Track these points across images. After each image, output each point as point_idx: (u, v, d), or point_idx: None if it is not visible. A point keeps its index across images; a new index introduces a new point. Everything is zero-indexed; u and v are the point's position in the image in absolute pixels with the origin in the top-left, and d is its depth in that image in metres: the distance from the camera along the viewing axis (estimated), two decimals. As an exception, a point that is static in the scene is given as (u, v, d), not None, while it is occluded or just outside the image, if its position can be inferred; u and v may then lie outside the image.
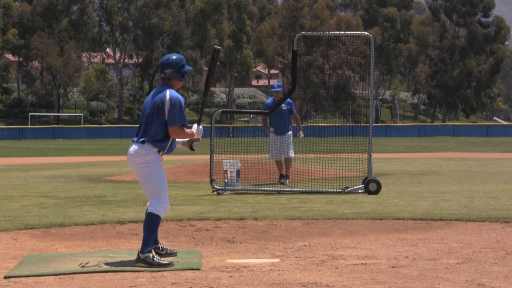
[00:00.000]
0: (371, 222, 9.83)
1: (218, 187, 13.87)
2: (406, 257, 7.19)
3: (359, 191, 13.68)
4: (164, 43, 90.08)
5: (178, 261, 6.94)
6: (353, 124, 30.14)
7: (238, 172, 14.29)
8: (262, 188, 14.37)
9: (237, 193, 13.89)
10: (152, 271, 6.56)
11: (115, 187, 15.44)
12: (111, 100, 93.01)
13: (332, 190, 13.91)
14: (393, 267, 6.71)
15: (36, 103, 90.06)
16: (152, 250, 6.84)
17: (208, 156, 14.47)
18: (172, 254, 7.23)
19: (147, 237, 6.85)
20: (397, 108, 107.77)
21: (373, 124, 14.55)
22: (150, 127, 6.93)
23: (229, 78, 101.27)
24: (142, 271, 6.55)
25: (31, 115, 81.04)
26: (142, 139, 6.94)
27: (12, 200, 12.83)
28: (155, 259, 6.75)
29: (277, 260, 7.14)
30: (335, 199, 12.76)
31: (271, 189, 14.34)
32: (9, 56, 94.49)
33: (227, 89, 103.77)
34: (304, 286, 5.94)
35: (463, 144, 46.79)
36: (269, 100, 16.20)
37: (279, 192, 14.02)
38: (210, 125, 14.47)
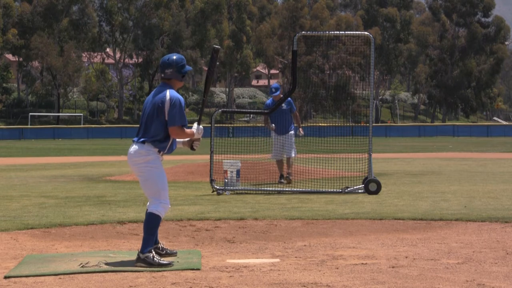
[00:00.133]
0: (371, 222, 9.82)
1: (218, 187, 13.87)
2: (406, 257, 7.19)
3: (359, 191, 13.69)
4: (164, 43, 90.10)
5: (178, 261, 6.93)
6: (353, 124, 30.14)
7: (238, 172, 14.29)
8: (262, 188, 14.37)
9: (237, 193, 13.89)
10: (152, 271, 6.56)
11: (115, 187, 15.44)
12: (111, 100, 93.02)
13: (332, 190, 13.91)
14: (393, 267, 6.71)
15: (36, 103, 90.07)
16: (152, 250, 6.84)
17: (208, 156, 14.47)
18: (172, 254, 7.23)
19: (147, 237, 6.85)
20: (397, 108, 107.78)
21: (373, 124, 14.56)
22: (150, 127, 6.93)
23: (229, 78, 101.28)
24: (142, 271, 6.55)
25: (31, 115, 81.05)
26: (142, 139, 6.93)
27: (12, 200, 12.83)
28: (155, 259, 6.75)
29: (277, 260, 7.14)
30: (335, 199, 12.76)
31: (271, 189, 14.34)
32: (9, 56, 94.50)
33: (227, 89, 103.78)
34: (304, 286, 5.94)
35: (463, 144, 46.80)
36: (269, 101, 16.21)
37: (279, 192, 14.02)
38: (210, 125, 14.47)
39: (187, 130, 6.99)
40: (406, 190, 14.16)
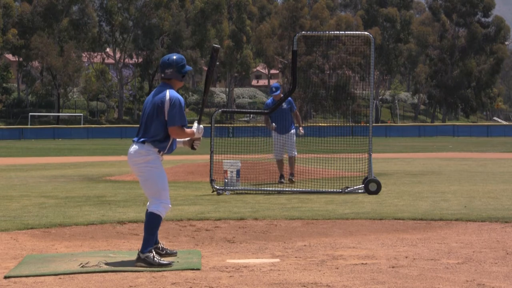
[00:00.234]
0: (371, 222, 9.82)
1: (218, 187, 13.87)
2: (406, 257, 7.19)
3: (359, 191, 13.69)
4: (164, 43, 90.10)
5: (178, 261, 6.93)
6: (353, 124, 30.14)
7: (238, 172, 14.29)
8: (262, 188, 14.37)
9: (237, 193, 13.89)
10: (152, 271, 6.56)
11: (115, 187, 15.44)
12: (111, 100, 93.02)
13: (332, 190, 13.91)
14: (393, 267, 6.71)
15: (36, 103, 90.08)
16: (153, 250, 6.83)
17: (208, 156, 14.47)
18: (172, 254, 7.23)
19: (148, 237, 6.84)
20: (397, 108, 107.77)
21: (373, 124, 14.56)
22: (150, 127, 6.93)
23: (229, 78, 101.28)
24: (142, 271, 6.55)
25: (31, 115, 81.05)
26: (142, 139, 6.93)
27: (12, 200, 12.83)
28: (155, 259, 6.75)
29: (277, 260, 7.14)
30: (335, 199, 12.76)
31: (271, 189, 14.34)
32: (9, 56, 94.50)
33: (227, 89, 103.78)
34: (304, 286, 5.94)
35: (463, 144, 46.80)
36: (269, 100, 16.20)
37: (279, 192, 14.02)
38: (210, 125, 14.47)
39: (187, 130, 6.99)
40: (406, 190, 14.16)
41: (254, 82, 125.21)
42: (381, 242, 8.20)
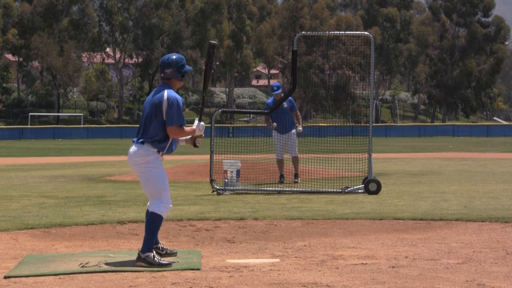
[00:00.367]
0: (371, 222, 9.82)
1: (218, 187, 13.86)
2: (406, 257, 7.19)
3: (359, 191, 13.68)
4: (164, 43, 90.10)
5: (178, 261, 6.93)
6: (353, 124, 30.14)
7: (238, 172, 14.28)
8: (262, 188, 14.37)
9: (237, 193, 13.89)
10: (152, 271, 6.56)
11: (115, 187, 15.44)
12: (111, 100, 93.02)
13: (332, 190, 13.91)
14: (393, 267, 6.71)
15: (36, 103, 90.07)
16: (153, 250, 6.83)
17: (208, 156, 14.47)
18: (172, 254, 7.23)
19: (148, 237, 6.84)
20: (397, 108, 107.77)
21: (373, 124, 14.55)
22: (149, 128, 6.92)
23: (229, 78, 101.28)
24: (142, 271, 6.55)
25: (31, 115, 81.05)
26: (141, 139, 6.93)
27: (12, 200, 12.83)
28: (155, 259, 6.75)
29: (277, 260, 7.14)
30: (335, 199, 12.76)
31: (271, 189, 14.34)
32: (9, 56, 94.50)
33: (227, 89, 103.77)
34: (304, 286, 5.94)
35: (463, 144, 46.79)
36: (270, 100, 16.20)
37: (279, 192, 14.02)
38: (210, 125, 14.47)
39: (187, 128, 6.98)
40: (406, 190, 14.16)
41: (254, 82, 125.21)
42: (381, 242, 8.20)
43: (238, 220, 10.01)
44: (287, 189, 14.37)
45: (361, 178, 14.61)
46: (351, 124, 29.04)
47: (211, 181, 13.91)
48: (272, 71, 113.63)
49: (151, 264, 6.71)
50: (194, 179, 17.00)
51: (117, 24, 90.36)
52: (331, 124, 24.24)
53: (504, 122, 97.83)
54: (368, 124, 14.31)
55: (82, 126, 74.78)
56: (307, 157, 17.07)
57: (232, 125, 64.49)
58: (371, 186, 13.51)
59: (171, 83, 7.05)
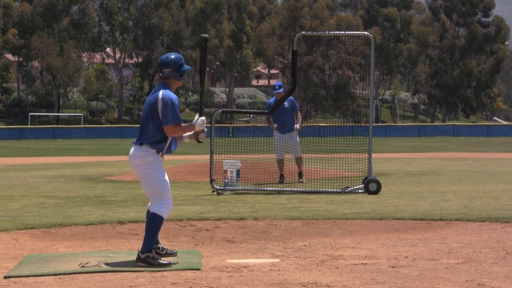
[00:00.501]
0: (371, 222, 9.82)
1: (218, 187, 13.86)
2: (406, 257, 7.19)
3: (359, 191, 13.68)
4: (164, 43, 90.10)
5: (178, 261, 6.93)
6: (353, 124, 30.12)
7: (238, 172, 14.28)
8: (262, 188, 14.37)
9: (237, 193, 13.89)
10: (152, 271, 6.55)
11: (115, 187, 15.44)
12: (111, 100, 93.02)
13: (332, 190, 13.90)
14: (393, 267, 6.71)
15: (36, 103, 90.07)
16: (153, 250, 6.83)
17: (208, 156, 14.46)
18: (172, 254, 7.22)
19: (148, 237, 6.84)
20: (397, 108, 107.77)
21: (373, 124, 14.55)
22: (147, 129, 6.91)
23: (229, 78, 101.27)
24: (142, 271, 6.55)
25: (31, 115, 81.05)
26: (139, 141, 6.93)
27: (12, 200, 12.83)
28: (155, 259, 6.75)
29: (277, 260, 7.14)
30: (335, 199, 12.76)
31: (271, 189, 14.34)
32: (9, 56, 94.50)
33: (227, 89, 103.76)
34: (304, 286, 5.94)
35: (463, 144, 46.79)
36: (272, 100, 16.19)
37: (279, 192, 14.02)
38: (210, 125, 14.47)
39: (185, 125, 6.95)
40: (406, 190, 14.16)
41: (254, 82, 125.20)
42: (381, 242, 8.20)
43: (238, 220, 10.01)
44: (287, 189, 14.37)
45: (361, 178, 14.61)
46: (351, 124, 29.03)
47: (211, 181, 13.90)
48: (272, 71, 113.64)
49: (151, 264, 6.70)
50: (194, 179, 17.00)
51: (117, 24, 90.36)
52: (331, 124, 24.22)
53: (504, 122, 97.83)
54: (368, 124, 14.30)
55: (82, 126, 74.79)
56: (307, 157, 17.07)
57: (232, 125, 64.49)
58: (371, 186, 13.51)
59: (169, 83, 7.03)
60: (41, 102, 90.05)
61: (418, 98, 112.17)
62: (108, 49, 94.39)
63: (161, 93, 6.89)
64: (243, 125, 58.69)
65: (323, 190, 13.98)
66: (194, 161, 21.74)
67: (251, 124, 57.03)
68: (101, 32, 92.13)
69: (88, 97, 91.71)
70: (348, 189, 13.85)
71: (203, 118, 7.08)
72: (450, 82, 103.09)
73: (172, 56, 7.04)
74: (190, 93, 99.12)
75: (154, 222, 6.86)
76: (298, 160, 15.88)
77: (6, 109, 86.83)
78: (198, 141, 7.10)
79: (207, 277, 6.29)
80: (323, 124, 24.74)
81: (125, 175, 18.64)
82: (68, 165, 24.88)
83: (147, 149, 6.89)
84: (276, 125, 15.75)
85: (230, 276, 6.30)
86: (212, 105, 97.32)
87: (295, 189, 14.30)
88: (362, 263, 6.88)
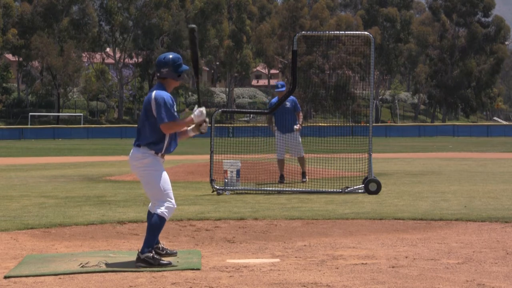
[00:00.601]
0: (371, 222, 9.82)
1: (218, 187, 13.86)
2: (406, 257, 7.19)
3: (359, 191, 13.68)
4: (164, 43, 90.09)
5: (178, 261, 6.93)
6: (353, 124, 30.12)
7: (238, 172, 14.28)
8: (262, 188, 14.37)
9: (237, 193, 13.89)
10: (152, 271, 6.56)
11: (115, 187, 15.44)
12: (111, 100, 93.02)
13: (332, 190, 13.91)
14: (393, 267, 6.71)
15: (36, 103, 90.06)
16: (153, 250, 6.83)
17: (208, 156, 14.46)
18: (172, 254, 7.22)
19: (149, 237, 6.82)
20: (397, 108, 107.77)
21: (373, 124, 14.55)
22: (144, 131, 6.90)
23: (229, 78, 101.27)
24: (142, 271, 6.55)
25: (31, 115, 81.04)
26: (137, 142, 6.92)
27: (12, 200, 12.83)
28: (155, 259, 6.75)
29: (277, 260, 7.14)
30: (335, 199, 12.76)
31: (271, 189, 14.34)
32: (9, 56, 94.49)
33: (227, 89, 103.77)
34: (304, 286, 5.94)
35: (463, 144, 46.79)
36: (274, 99, 16.18)
37: (279, 192, 14.02)
38: (210, 125, 14.44)
39: (181, 120, 6.93)
40: (406, 190, 14.16)
41: (254, 82, 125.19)
42: (381, 242, 8.20)
43: (238, 220, 10.01)
44: (287, 189, 14.37)
45: (361, 178, 14.61)
46: (351, 124, 29.03)
47: (211, 181, 13.90)
48: (272, 71, 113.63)
49: (151, 264, 6.70)
50: (194, 179, 17.00)
51: (117, 24, 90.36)
52: (331, 124, 24.21)
53: (504, 122, 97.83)
54: (368, 124, 14.31)
55: (82, 126, 74.79)
56: (307, 157, 17.05)
57: (232, 125, 64.49)
58: (371, 186, 13.51)
59: (166, 83, 7.00)
60: (41, 102, 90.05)
61: (418, 98, 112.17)
62: (108, 49, 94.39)
63: (153, 93, 6.87)
64: (243, 125, 58.69)
65: (323, 190, 13.98)
66: (194, 161, 21.74)
67: (251, 124, 57.04)
68: (101, 32, 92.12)
69: (88, 97, 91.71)
70: (348, 189, 13.85)
71: (201, 109, 7.00)
72: (450, 82, 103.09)
73: (170, 56, 7.00)
74: (190, 93, 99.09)
75: (156, 223, 6.85)
76: (301, 160, 15.88)
77: (6, 109, 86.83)
78: (201, 132, 7.06)
79: (207, 277, 6.29)
80: (323, 124, 24.73)
81: (125, 175, 18.64)
82: (68, 165, 24.88)
83: (145, 150, 6.87)
84: (276, 127, 15.74)
85: (230, 276, 6.30)
86: (212, 105, 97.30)
87: (295, 189, 14.30)
88: (362, 263, 6.88)
